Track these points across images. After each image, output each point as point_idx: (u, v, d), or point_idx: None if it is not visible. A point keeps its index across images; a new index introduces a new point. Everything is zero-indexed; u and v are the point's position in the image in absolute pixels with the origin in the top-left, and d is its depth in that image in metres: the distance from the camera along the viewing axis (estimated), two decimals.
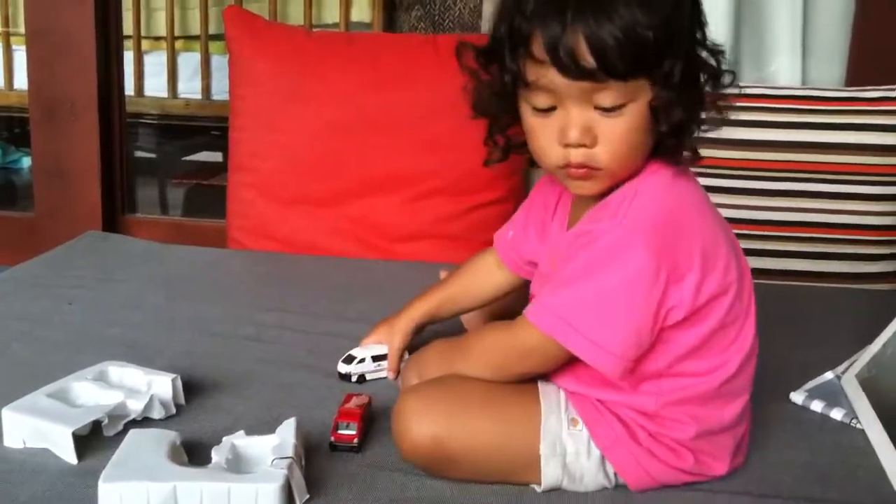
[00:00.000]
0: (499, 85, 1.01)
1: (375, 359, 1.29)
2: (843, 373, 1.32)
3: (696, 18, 0.98)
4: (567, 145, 0.98)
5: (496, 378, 1.06)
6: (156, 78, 3.10)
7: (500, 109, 1.05)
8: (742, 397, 1.06)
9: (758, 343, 1.07)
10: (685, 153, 1.01)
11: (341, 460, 1.08)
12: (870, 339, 1.32)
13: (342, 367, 1.29)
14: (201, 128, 3.24)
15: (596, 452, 1.02)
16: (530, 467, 1.01)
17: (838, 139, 1.79)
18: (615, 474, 1.03)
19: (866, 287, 1.79)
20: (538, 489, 1.02)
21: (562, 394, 1.05)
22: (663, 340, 0.99)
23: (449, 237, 1.89)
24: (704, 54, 0.98)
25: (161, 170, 3.35)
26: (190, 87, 3.12)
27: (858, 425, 1.20)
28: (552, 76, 0.95)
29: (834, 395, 1.27)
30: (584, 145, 0.97)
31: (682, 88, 0.95)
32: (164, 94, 3.11)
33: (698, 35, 0.98)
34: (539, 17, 0.94)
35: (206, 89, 3.05)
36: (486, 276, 1.31)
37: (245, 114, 2.00)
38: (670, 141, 0.98)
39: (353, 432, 1.10)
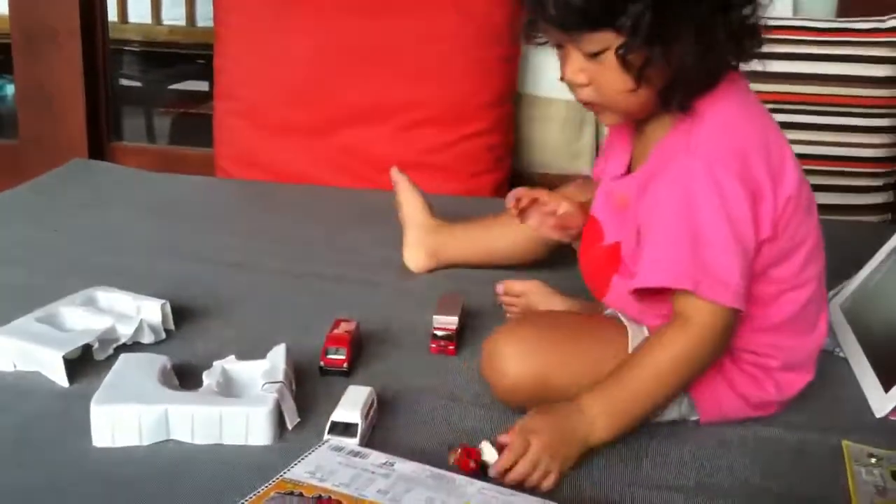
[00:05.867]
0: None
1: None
2: (828, 303, 1.33)
3: None
4: (567, 82, 1.03)
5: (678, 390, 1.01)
6: (139, 4, 3.05)
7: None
8: (820, 333, 1.09)
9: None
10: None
11: (331, 384, 1.09)
12: (856, 271, 1.33)
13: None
14: (186, 55, 3.19)
15: None
16: None
17: (829, 70, 1.78)
18: (689, 405, 1.04)
19: (855, 219, 1.80)
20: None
21: (645, 329, 1.05)
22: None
23: (437, 167, 1.88)
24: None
25: (146, 98, 3.31)
26: (174, 14, 3.07)
27: (842, 354, 1.22)
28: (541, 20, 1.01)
29: None
30: (577, 84, 1.02)
31: (655, 37, 0.95)
32: (147, 20, 3.06)
33: None
34: None
35: (191, 15, 3.00)
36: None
37: (230, 41, 1.97)
38: (668, 87, 0.99)
39: (343, 357, 1.11)
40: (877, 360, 1.15)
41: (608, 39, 0.97)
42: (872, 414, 1.09)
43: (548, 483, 0.93)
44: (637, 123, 1.08)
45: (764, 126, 1.04)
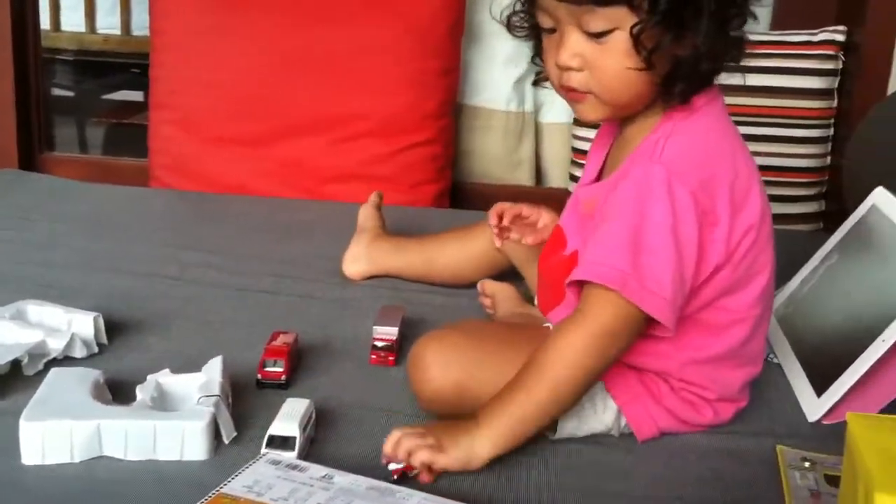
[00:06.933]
0: (518, 6, 1.05)
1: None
2: None
3: None
4: (559, 66, 0.99)
5: (579, 393, 0.98)
6: (73, 11, 2.99)
7: (527, 32, 1.06)
8: (756, 366, 1.09)
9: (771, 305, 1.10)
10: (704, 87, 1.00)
11: (269, 397, 1.07)
12: (789, 278, 1.36)
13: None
14: (121, 65, 3.14)
15: (613, 407, 1.03)
16: None
17: (762, 82, 1.81)
18: (626, 425, 1.04)
19: (788, 228, 1.83)
20: (551, 437, 1.02)
21: None
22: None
23: (377, 178, 1.87)
24: None
25: (79, 109, 3.24)
26: (109, 22, 3.02)
27: (776, 360, 1.24)
28: None
29: None
30: (570, 68, 0.98)
31: (671, 19, 0.93)
32: (81, 28, 3.00)
33: None
34: None
35: (126, 24, 2.96)
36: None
37: (167, 50, 1.94)
38: (671, 75, 0.97)
39: (281, 369, 1.10)
40: (809, 366, 1.17)
41: (619, 17, 0.94)
42: (806, 419, 1.11)
43: (434, 459, 0.92)
44: (619, 127, 1.06)
45: (736, 149, 1.04)
